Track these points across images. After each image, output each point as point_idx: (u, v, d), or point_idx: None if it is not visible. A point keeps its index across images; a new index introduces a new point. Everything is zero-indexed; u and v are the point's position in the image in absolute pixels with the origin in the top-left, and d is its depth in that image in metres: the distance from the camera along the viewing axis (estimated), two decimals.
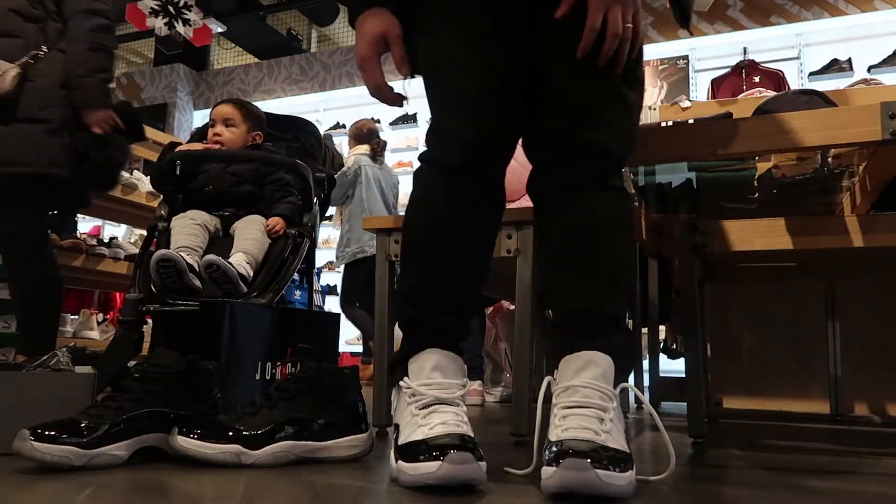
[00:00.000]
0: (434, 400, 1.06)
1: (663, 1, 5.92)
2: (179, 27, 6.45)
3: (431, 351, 1.12)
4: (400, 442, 1.04)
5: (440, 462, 0.93)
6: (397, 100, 1.23)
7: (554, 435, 1.00)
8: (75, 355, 1.41)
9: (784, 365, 2.45)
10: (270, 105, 7.49)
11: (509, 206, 1.52)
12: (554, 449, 0.95)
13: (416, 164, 1.26)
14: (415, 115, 6.94)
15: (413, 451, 0.98)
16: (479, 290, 1.26)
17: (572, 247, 1.18)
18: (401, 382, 1.12)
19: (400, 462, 1.00)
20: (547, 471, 0.92)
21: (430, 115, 1.22)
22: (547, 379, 1.10)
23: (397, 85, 1.25)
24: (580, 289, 1.16)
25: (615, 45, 1.12)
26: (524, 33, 1.17)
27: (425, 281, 1.18)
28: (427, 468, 0.94)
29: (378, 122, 6.88)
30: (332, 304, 6.46)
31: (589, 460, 0.89)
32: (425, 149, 1.22)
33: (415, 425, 1.03)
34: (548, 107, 1.18)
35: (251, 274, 1.83)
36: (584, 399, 1.03)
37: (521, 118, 1.19)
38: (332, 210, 4.53)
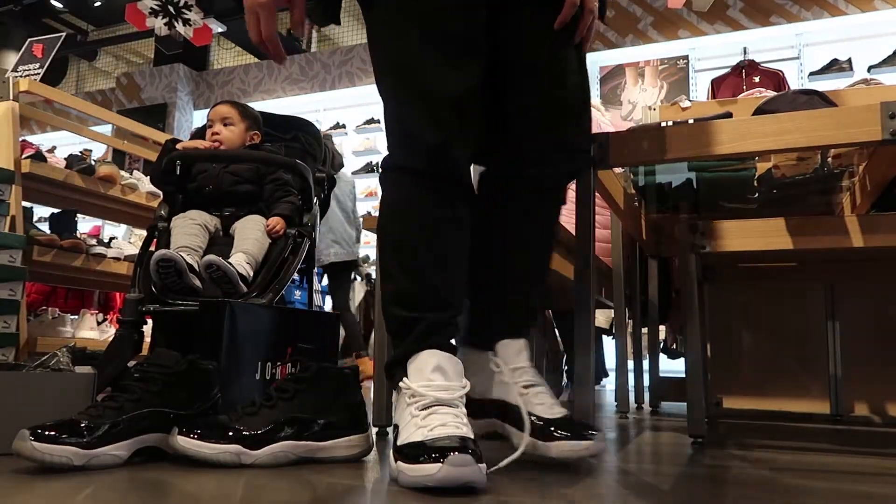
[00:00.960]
0: (434, 401, 1.06)
1: (664, 1, 5.92)
2: (179, 27, 6.45)
3: (431, 352, 1.12)
4: (399, 443, 1.04)
5: (440, 464, 0.93)
6: (283, 56, 1.26)
7: (543, 411, 1.20)
8: (75, 355, 1.41)
9: (784, 365, 2.45)
10: (270, 105, 7.49)
11: None
12: (563, 425, 1.18)
13: None
14: None
15: (413, 453, 0.98)
16: (464, 286, 1.27)
17: (539, 241, 1.34)
18: (401, 384, 1.12)
19: (400, 463, 1.00)
20: (582, 444, 1.17)
21: (388, 117, 1.21)
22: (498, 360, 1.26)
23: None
24: (539, 281, 1.35)
25: (590, 22, 1.23)
26: (492, 33, 1.20)
27: (413, 282, 1.18)
28: (427, 470, 0.94)
29: (378, 122, 6.89)
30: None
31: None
32: (389, 154, 1.22)
33: (414, 426, 1.03)
34: (529, 105, 1.23)
35: (251, 274, 1.82)
36: (534, 378, 1.24)
37: (483, 119, 1.22)
38: None
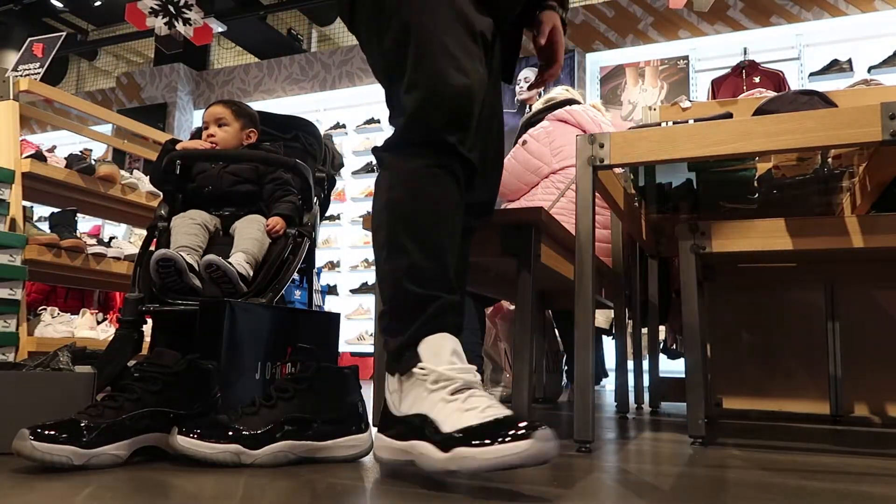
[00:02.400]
0: (464, 384, 1.02)
1: (664, 1, 5.92)
2: (180, 26, 6.45)
3: (444, 335, 1.08)
4: (448, 430, 0.96)
5: (530, 440, 0.89)
6: None
7: None
8: (75, 355, 1.41)
9: (784, 365, 2.45)
10: (270, 105, 7.49)
11: (509, 205, 1.52)
12: None
13: None
14: None
15: (483, 434, 0.92)
16: (462, 270, 1.28)
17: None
18: (415, 369, 1.05)
19: (461, 449, 0.93)
20: None
21: (411, 93, 1.17)
22: None
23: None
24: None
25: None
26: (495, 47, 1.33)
27: (429, 258, 1.12)
28: (515, 448, 0.90)
29: (378, 121, 6.89)
30: (332, 304, 6.46)
31: None
32: (396, 137, 1.20)
33: (457, 410, 0.98)
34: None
35: (251, 273, 1.82)
36: None
37: None
38: None
